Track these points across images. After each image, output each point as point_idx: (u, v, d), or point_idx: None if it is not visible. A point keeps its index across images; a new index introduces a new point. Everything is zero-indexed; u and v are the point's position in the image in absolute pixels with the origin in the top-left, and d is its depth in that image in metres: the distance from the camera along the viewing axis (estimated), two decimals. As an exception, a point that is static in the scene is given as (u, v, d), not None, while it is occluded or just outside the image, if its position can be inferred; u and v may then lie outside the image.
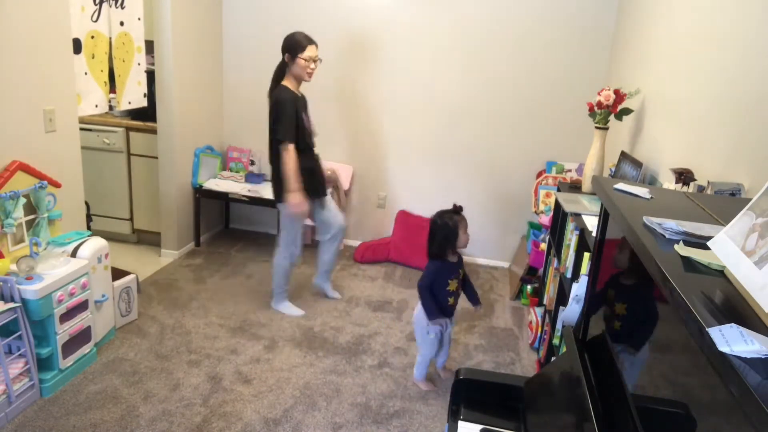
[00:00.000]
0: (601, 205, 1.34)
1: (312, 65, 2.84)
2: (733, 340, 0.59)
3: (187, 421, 2.24)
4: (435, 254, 2.46)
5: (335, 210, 3.20)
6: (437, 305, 2.47)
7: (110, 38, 2.94)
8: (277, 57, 2.93)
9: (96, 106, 2.89)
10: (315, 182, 3.01)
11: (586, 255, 2.06)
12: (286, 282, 3.13)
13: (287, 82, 2.86)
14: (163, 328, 2.90)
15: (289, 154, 2.78)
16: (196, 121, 3.83)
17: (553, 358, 2.36)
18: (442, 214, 2.43)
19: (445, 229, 2.40)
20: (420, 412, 2.42)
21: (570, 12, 3.59)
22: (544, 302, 2.95)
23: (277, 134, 2.79)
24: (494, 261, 4.20)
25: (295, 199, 2.82)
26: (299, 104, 2.86)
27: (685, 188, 1.76)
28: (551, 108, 3.77)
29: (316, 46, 2.86)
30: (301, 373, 2.62)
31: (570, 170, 3.76)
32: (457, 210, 2.45)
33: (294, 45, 2.78)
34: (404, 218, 4.09)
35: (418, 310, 2.53)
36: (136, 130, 3.71)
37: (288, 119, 2.76)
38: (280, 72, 2.89)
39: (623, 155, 2.61)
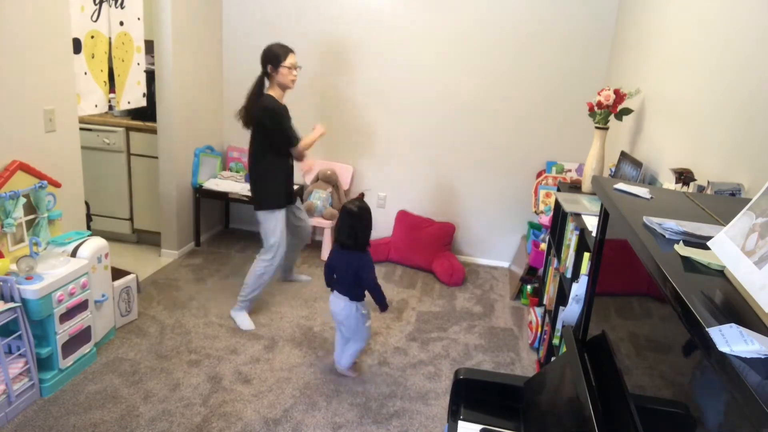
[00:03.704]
0: (601, 205, 1.34)
1: (294, 72, 2.89)
2: (733, 340, 0.59)
3: (187, 421, 2.24)
4: (360, 244, 2.44)
5: (304, 216, 3.32)
6: (363, 291, 2.53)
7: (110, 38, 2.94)
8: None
9: (96, 105, 2.89)
10: (289, 193, 3.08)
11: (586, 255, 2.06)
12: (259, 293, 3.03)
13: (272, 92, 2.88)
14: (163, 328, 2.90)
15: (301, 147, 2.92)
16: (196, 121, 3.83)
17: (553, 358, 2.36)
18: (358, 204, 2.43)
19: (368, 219, 2.43)
20: (420, 412, 2.42)
21: (570, 12, 3.59)
22: (544, 302, 2.95)
23: (290, 142, 2.89)
24: (494, 261, 4.20)
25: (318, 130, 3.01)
26: (287, 114, 2.92)
27: (685, 188, 1.76)
28: (551, 108, 3.77)
29: (294, 53, 2.90)
30: (301, 373, 2.62)
31: (570, 170, 3.76)
32: (361, 198, 2.46)
33: (275, 55, 2.83)
34: (404, 218, 4.09)
35: (343, 305, 2.48)
36: (136, 130, 3.71)
37: (290, 127, 2.90)
38: (261, 85, 2.90)
39: (623, 155, 2.61)
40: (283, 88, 2.90)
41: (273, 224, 2.95)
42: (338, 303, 2.50)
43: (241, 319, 3.01)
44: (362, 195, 2.51)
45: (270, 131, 2.86)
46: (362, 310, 2.51)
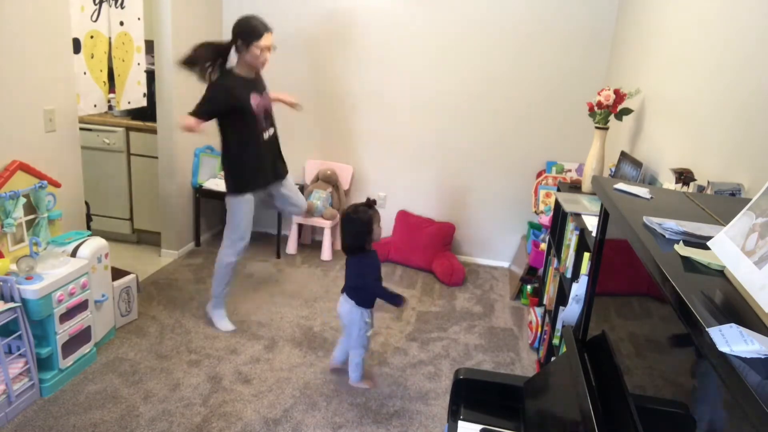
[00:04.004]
0: (601, 205, 1.34)
1: (267, 54, 2.61)
2: (733, 340, 0.59)
3: (187, 421, 2.24)
4: (359, 248, 2.44)
5: (296, 190, 3.14)
6: (374, 298, 2.49)
7: (110, 38, 2.94)
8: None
9: (95, 105, 2.89)
10: (265, 170, 2.82)
11: (586, 255, 2.06)
12: (227, 283, 2.92)
13: (238, 69, 2.65)
14: (163, 328, 2.90)
15: (186, 121, 2.57)
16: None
17: (553, 358, 2.36)
18: (356, 209, 2.42)
19: (363, 225, 2.40)
20: (420, 412, 2.42)
21: (570, 12, 3.59)
22: (544, 302, 2.95)
23: (194, 110, 2.59)
24: (494, 261, 4.20)
25: (186, 119, 2.57)
26: (244, 88, 2.64)
27: (685, 188, 1.76)
28: (551, 108, 3.77)
29: (271, 32, 2.62)
30: (301, 373, 2.62)
31: (570, 170, 3.76)
32: (370, 204, 2.46)
33: (249, 31, 2.55)
34: (404, 218, 4.09)
35: (349, 309, 2.47)
36: (136, 130, 3.71)
37: (207, 101, 2.60)
38: (222, 56, 2.64)
39: (623, 155, 2.61)
40: (252, 67, 2.65)
41: (235, 212, 2.75)
42: (345, 306, 2.50)
43: (217, 317, 2.94)
44: (368, 200, 2.50)
45: (212, 105, 2.59)
46: (366, 318, 2.47)
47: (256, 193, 2.83)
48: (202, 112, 2.60)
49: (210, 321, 2.98)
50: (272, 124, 2.86)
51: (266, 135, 2.80)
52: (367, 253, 2.46)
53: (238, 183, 2.76)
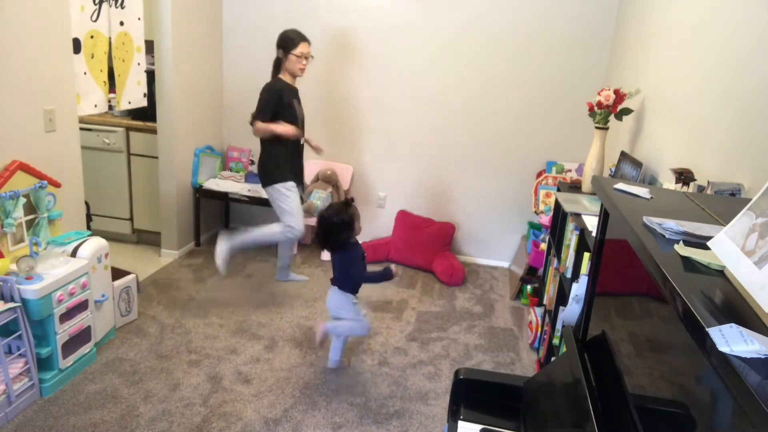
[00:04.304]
0: (601, 205, 1.34)
1: (304, 61, 2.99)
2: (733, 340, 0.59)
3: (187, 421, 2.24)
4: (336, 245, 2.54)
5: (300, 207, 3.30)
6: (360, 284, 2.59)
7: (110, 38, 2.94)
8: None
9: (95, 105, 2.89)
10: (298, 169, 3.19)
11: (586, 255, 2.06)
12: (291, 255, 3.26)
13: (283, 76, 3.04)
14: (163, 328, 2.90)
15: (256, 125, 2.99)
16: (196, 121, 3.83)
17: (553, 358, 2.36)
18: (337, 211, 2.50)
19: (342, 225, 2.48)
20: (420, 412, 2.42)
21: (570, 12, 3.59)
22: (544, 302, 2.95)
23: (256, 115, 2.98)
24: (494, 261, 4.20)
25: (284, 127, 3.01)
26: (289, 94, 3.04)
27: (685, 188, 1.76)
28: (551, 108, 3.77)
29: (309, 43, 2.99)
30: (301, 373, 2.62)
31: (570, 170, 3.76)
32: (348, 202, 2.55)
33: (287, 41, 2.94)
34: (404, 218, 4.09)
35: (335, 297, 2.57)
36: (136, 130, 3.71)
37: (264, 103, 2.97)
38: (277, 67, 3.06)
39: (623, 155, 2.61)
40: (293, 74, 3.03)
41: (284, 200, 3.03)
42: (331, 296, 2.59)
43: (222, 248, 3.09)
44: (347, 198, 2.57)
45: (258, 106, 2.96)
46: (353, 300, 2.57)
47: (295, 183, 3.11)
48: (266, 112, 2.97)
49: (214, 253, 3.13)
50: (303, 134, 3.20)
51: (300, 141, 3.18)
52: (349, 246, 2.54)
53: (281, 172, 3.05)
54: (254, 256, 3.91)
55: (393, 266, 2.56)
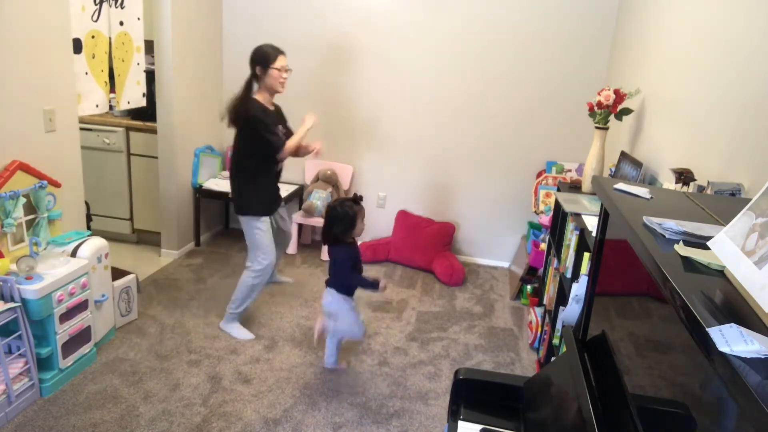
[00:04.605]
0: (601, 205, 1.34)
1: (284, 75, 2.76)
2: (733, 340, 0.59)
3: (187, 421, 2.24)
4: (334, 239, 2.52)
5: (286, 220, 3.20)
6: (353, 287, 2.58)
7: (110, 38, 2.94)
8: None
9: (96, 105, 2.89)
10: (275, 199, 2.97)
11: (586, 255, 2.06)
12: (246, 306, 2.90)
13: (259, 96, 2.76)
14: (163, 328, 2.90)
15: (286, 152, 2.77)
16: (196, 121, 3.83)
17: (553, 358, 2.36)
18: (342, 203, 2.51)
19: (346, 217, 2.47)
20: (420, 412, 2.42)
21: (570, 12, 3.59)
22: (544, 302, 2.95)
23: (275, 149, 2.74)
24: (494, 261, 4.20)
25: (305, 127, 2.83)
26: (271, 118, 2.78)
27: (685, 188, 1.76)
28: (551, 108, 3.77)
29: (285, 55, 2.78)
30: (301, 373, 2.62)
31: (570, 170, 3.76)
32: (356, 199, 2.53)
33: (265, 56, 2.72)
34: (404, 218, 4.09)
35: (330, 299, 2.55)
36: (136, 130, 3.71)
37: (272, 132, 2.73)
38: (249, 88, 2.77)
39: (623, 155, 2.61)
40: (272, 91, 2.78)
41: (258, 234, 2.81)
42: (326, 297, 2.58)
43: (235, 331, 2.90)
44: (355, 195, 2.57)
45: (262, 140, 2.71)
46: (351, 303, 2.57)
47: (268, 216, 2.91)
48: (275, 141, 2.73)
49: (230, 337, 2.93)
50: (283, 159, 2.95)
51: (279, 167, 2.93)
52: (345, 244, 2.53)
53: (260, 206, 2.83)
54: (254, 256, 3.91)
55: (383, 282, 2.51)
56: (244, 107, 2.71)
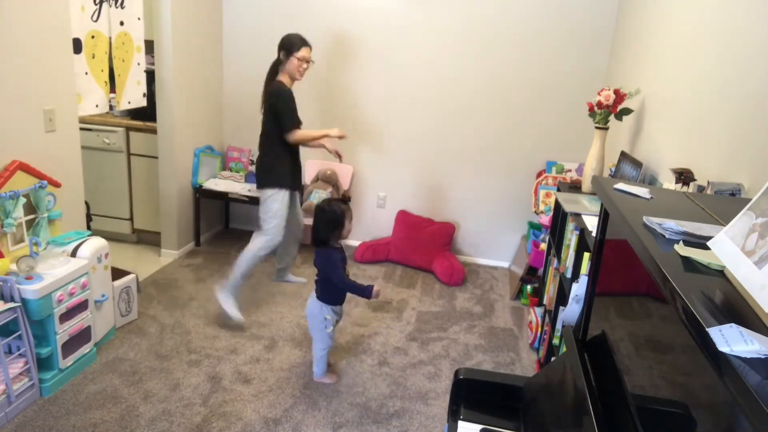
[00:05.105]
0: (601, 205, 1.34)
1: (305, 65, 2.99)
2: (733, 340, 0.59)
3: (187, 420, 2.24)
4: (321, 240, 2.47)
5: (300, 210, 3.34)
6: (339, 294, 2.51)
7: (110, 38, 2.94)
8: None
9: (96, 105, 2.89)
10: (298, 174, 3.20)
11: (586, 255, 2.06)
12: (248, 275, 3.06)
13: (282, 78, 2.99)
14: (163, 328, 2.90)
15: (296, 135, 3.01)
16: (196, 121, 3.83)
17: (553, 358, 2.36)
18: (330, 202, 2.49)
19: (333, 217, 2.42)
20: (420, 412, 2.42)
21: (570, 12, 3.59)
22: (544, 302, 2.95)
23: (285, 126, 2.97)
24: (494, 261, 4.20)
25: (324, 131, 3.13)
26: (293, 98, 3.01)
27: (685, 188, 1.76)
28: (551, 108, 3.77)
29: (311, 48, 3.02)
30: (301, 373, 2.62)
31: (570, 170, 3.76)
32: (344, 200, 2.48)
33: (290, 44, 2.95)
34: (404, 218, 4.09)
35: (311, 302, 2.52)
36: (136, 130, 3.71)
37: (291, 111, 2.98)
38: (275, 69, 3.04)
39: (623, 155, 2.61)
40: (292, 77, 3.00)
41: (276, 205, 3.01)
42: (309, 301, 2.54)
43: (229, 305, 2.96)
44: (344, 195, 2.56)
45: (280, 115, 2.94)
46: (326, 314, 2.48)
47: (289, 191, 3.09)
48: (295, 118, 3.01)
49: (220, 309, 2.99)
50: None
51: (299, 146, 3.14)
52: (331, 248, 2.46)
53: (279, 178, 3.03)
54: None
55: (376, 288, 2.43)
56: (271, 88, 2.97)
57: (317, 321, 2.49)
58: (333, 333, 2.55)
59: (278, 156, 3.04)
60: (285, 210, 3.06)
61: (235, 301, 3.01)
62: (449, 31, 3.76)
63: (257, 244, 3.02)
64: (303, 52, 2.96)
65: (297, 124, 3.01)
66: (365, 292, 2.42)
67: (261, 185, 3.06)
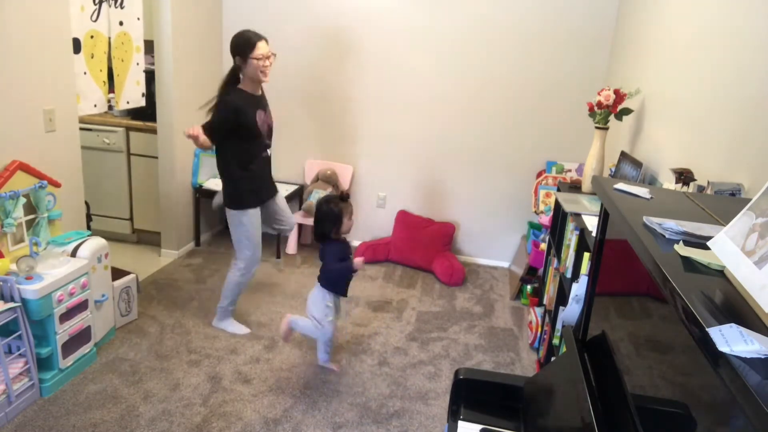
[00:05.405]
0: (601, 205, 1.34)
1: (266, 62, 2.58)
2: (733, 340, 0.59)
3: (187, 420, 2.24)
4: (321, 235, 2.55)
5: (287, 207, 3.06)
6: (337, 282, 2.59)
7: (109, 38, 2.94)
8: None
9: (95, 105, 2.89)
10: (265, 186, 2.85)
11: (586, 255, 2.06)
12: (234, 302, 2.92)
13: (243, 86, 2.65)
14: (163, 328, 2.90)
15: (203, 142, 2.54)
16: (196, 121, 3.81)
17: (553, 358, 2.36)
18: (328, 200, 2.53)
19: (331, 215, 2.50)
20: (420, 412, 2.42)
21: (570, 12, 3.59)
22: (544, 302, 2.95)
23: (210, 126, 2.58)
24: (494, 261, 4.20)
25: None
26: (252, 107, 2.65)
27: (685, 188, 1.76)
28: (551, 108, 3.77)
29: (266, 41, 2.60)
30: (301, 373, 2.62)
31: (570, 170, 3.76)
32: (343, 197, 2.55)
33: (243, 45, 2.54)
34: (404, 218, 4.09)
35: (314, 291, 2.61)
36: (136, 129, 3.71)
37: (223, 122, 2.59)
38: (234, 75, 2.66)
39: (623, 155, 2.61)
40: (256, 80, 2.63)
41: (243, 229, 2.74)
42: (312, 290, 2.62)
43: (231, 327, 2.93)
44: (343, 193, 2.59)
45: (224, 126, 2.58)
46: (328, 302, 2.57)
47: (258, 207, 2.80)
48: (214, 132, 2.57)
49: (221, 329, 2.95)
50: (270, 144, 2.88)
51: (266, 154, 2.82)
52: (334, 241, 2.55)
53: (242, 198, 2.73)
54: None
55: (357, 260, 2.53)
56: (222, 100, 2.63)
57: (320, 308, 2.56)
58: (334, 321, 2.62)
59: (237, 171, 2.69)
60: (256, 230, 2.79)
61: (233, 319, 2.96)
62: (450, 31, 3.76)
63: (236, 276, 2.83)
64: (260, 50, 2.53)
65: (219, 136, 2.59)
66: (349, 268, 2.54)
67: (226, 204, 2.77)
